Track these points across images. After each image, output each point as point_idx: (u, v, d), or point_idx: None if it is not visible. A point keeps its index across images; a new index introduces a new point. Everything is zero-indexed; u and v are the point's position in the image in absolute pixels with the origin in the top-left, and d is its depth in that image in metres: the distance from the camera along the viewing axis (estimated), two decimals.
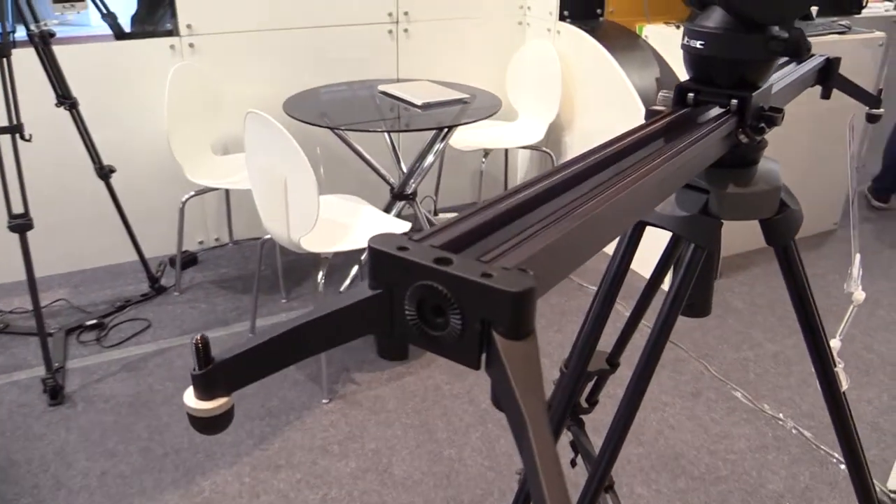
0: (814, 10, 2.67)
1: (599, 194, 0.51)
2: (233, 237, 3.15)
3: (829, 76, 0.98)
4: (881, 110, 1.09)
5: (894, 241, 3.34)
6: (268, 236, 2.28)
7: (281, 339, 0.40)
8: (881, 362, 2.44)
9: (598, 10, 3.15)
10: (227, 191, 3.06)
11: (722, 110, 0.71)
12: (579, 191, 0.52)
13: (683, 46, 0.73)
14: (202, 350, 0.40)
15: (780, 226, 0.76)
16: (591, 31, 2.99)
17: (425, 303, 0.38)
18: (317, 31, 2.98)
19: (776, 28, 0.70)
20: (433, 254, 0.38)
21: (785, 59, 0.81)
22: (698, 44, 0.71)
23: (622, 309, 2.60)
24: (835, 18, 3.11)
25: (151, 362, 2.35)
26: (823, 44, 2.87)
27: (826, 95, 1.02)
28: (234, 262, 3.00)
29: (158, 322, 2.56)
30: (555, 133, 3.27)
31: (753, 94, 0.70)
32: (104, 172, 2.56)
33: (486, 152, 3.19)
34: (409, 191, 2.79)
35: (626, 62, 2.83)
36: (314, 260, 3.01)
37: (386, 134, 2.98)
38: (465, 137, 3.05)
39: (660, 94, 0.77)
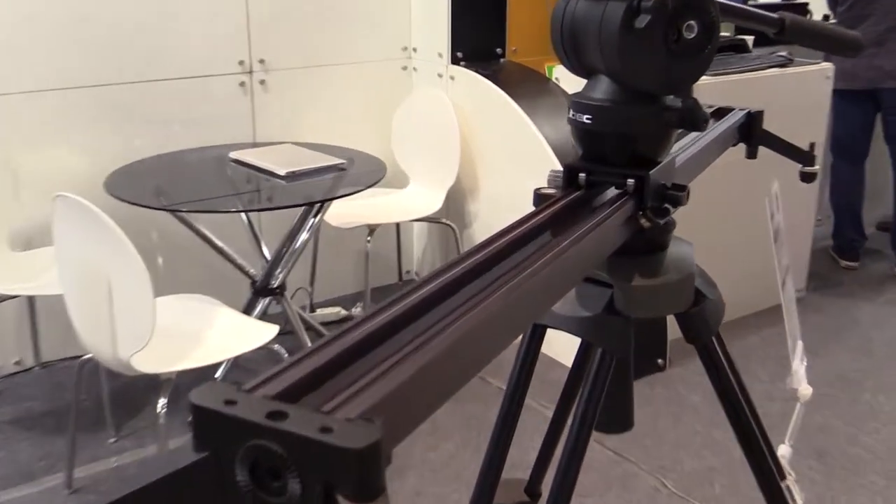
0: (749, 39, 2.91)
1: (472, 308, 0.54)
2: (40, 358, 3.06)
3: (752, 133, 1.09)
4: (816, 167, 1.22)
5: (873, 309, 3.60)
6: (88, 355, 2.25)
7: None
8: (871, 457, 2.60)
9: (499, 50, 3.35)
10: (30, 298, 2.99)
11: (618, 192, 0.78)
12: (448, 306, 0.55)
13: (570, 121, 0.81)
14: None
15: (696, 321, 0.83)
16: (492, 76, 3.17)
17: (259, 465, 0.42)
18: (147, 86, 3.03)
19: (670, 97, 0.78)
20: (266, 407, 0.43)
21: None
22: (585, 118, 0.79)
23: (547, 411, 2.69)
24: (774, 49, 3.41)
25: None
26: (761, 79, 3.13)
27: (752, 155, 1.14)
28: (42, 392, 2.91)
29: None
30: (456, 200, 3.41)
31: (651, 171, 0.77)
32: None
33: (372, 229, 3.27)
34: (276, 283, 2.82)
35: (536, 111, 3.01)
36: (153, 383, 2.96)
37: (243, 214, 3.01)
38: (344, 212, 3.12)
39: (549, 173, 0.84)
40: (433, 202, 3.21)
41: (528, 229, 0.71)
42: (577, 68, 0.81)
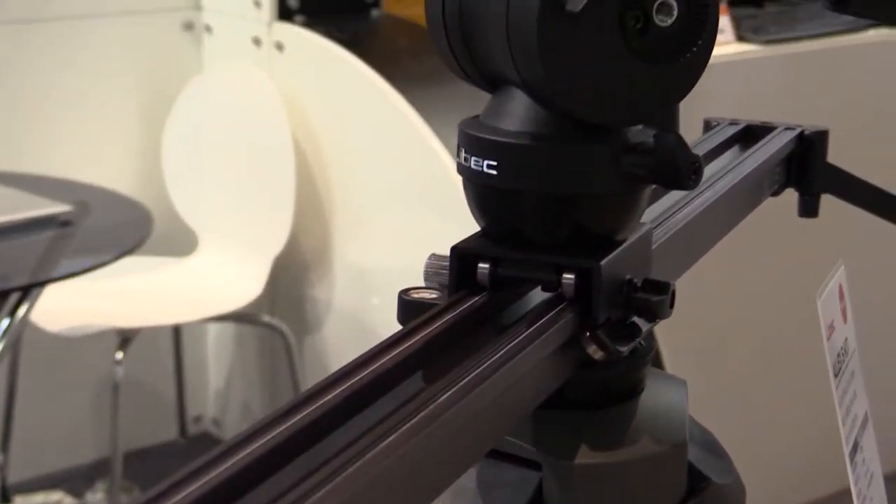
0: None
1: None
2: None
3: (808, 172, 0.84)
4: None
5: None
6: None
7: None
8: None
9: None
10: None
11: (548, 296, 0.59)
12: None
13: (461, 169, 0.61)
14: None
15: None
16: (356, 43, 2.28)
17: None
18: None
19: (635, 129, 0.59)
20: None
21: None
22: (486, 165, 0.59)
23: None
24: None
25: None
26: (846, 52, 2.18)
27: (809, 210, 0.84)
28: None
29: None
30: (289, 281, 2.54)
31: (605, 260, 0.59)
32: None
33: (126, 338, 2.23)
34: None
35: (440, 111, 2.17)
36: None
37: None
38: (72, 306, 2.20)
39: (427, 261, 0.65)
40: (246, 286, 2.28)
41: (386, 368, 0.53)
42: (474, 75, 0.59)
